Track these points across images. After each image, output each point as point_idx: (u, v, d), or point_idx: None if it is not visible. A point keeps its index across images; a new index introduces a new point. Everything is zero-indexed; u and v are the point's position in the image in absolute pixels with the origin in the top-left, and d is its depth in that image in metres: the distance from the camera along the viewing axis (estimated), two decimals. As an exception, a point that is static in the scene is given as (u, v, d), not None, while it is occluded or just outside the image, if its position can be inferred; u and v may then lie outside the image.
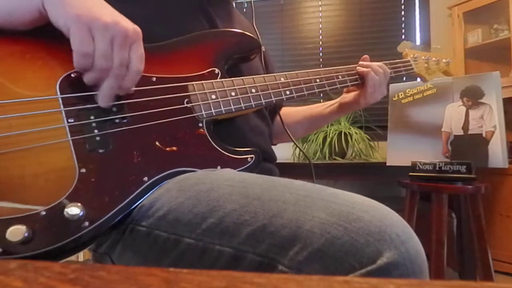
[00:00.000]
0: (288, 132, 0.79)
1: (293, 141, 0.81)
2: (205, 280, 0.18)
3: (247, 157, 0.56)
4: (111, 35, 0.43)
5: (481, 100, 1.29)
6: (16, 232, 0.39)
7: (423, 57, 0.94)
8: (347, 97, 0.82)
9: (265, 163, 0.66)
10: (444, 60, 0.97)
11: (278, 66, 0.73)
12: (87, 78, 0.45)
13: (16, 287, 0.18)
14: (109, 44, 0.43)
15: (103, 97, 0.46)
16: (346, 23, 2.64)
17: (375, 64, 0.78)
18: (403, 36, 2.51)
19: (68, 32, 0.42)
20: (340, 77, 0.74)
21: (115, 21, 0.43)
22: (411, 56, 0.92)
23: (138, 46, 0.46)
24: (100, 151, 0.46)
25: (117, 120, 0.48)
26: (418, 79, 1.01)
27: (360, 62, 0.79)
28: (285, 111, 0.89)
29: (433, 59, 0.96)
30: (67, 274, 0.19)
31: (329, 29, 2.66)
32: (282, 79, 0.65)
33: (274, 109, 0.83)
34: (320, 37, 2.67)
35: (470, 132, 1.31)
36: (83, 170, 0.44)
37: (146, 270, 0.19)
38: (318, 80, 0.70)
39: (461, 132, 1.33)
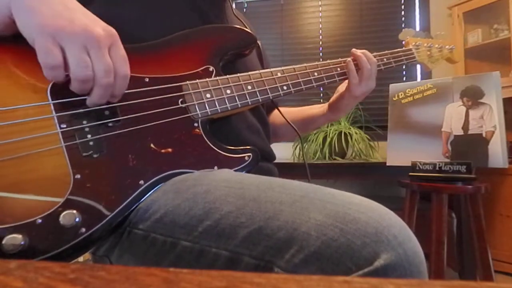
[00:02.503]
0: (293, 125, 0.77)
1: (297, 133, 0.79)
2: (205, 280, 0.18)
3: (244, 156, 0.55)
4: (82, 42, 0.41)
5: (481, 100, 1.29)
6: (13, 241, 0.38)
7: (425, 45, 0.91)
8: (334, 96, 0.81)
9: (264, 162, 0.65)
10: (447, 47, 0.94)
11: (277, 66, 0.72)
12: (72, 89, 0.44)
13: (16, 287, 0.18)
14: (83, 52, 0.41)
15: (93, 105, 0.45)
16: (346, 23, 2.64)
17: (366, 53, 0.76)
18: (403, 36, 2.51)
19: (33, 43, 0.41)
20: (339, 69, 0.72)
21: (83, 27, 0.41)
22: (413, 44, 0.89)
23: (117, 48, 0.44)
24: (95, 156, 0.45)
25: (110, 124, 0.47)
26: (419, 75, 1.00)
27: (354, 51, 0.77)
28: (276, 112, 0.87)
29: (436, 46, 0.93)
30: (67, 274, 0.19)
31: (329, 29, 2.66)
32: (279, 74, 0.64)
33: (270, 106, 0.82)
34: (320, 37, 2.67)
35: (470, 132, 1.31)
36: (78, 176, 0.44)
37: (146, 270, 0.19)
38: (316, 74, 0.68)
39: (461, 132, 1.33)
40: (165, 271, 0.19)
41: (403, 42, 0.94)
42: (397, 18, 2.57)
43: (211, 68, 0.57)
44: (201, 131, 0.54)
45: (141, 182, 0.47)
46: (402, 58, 0.84)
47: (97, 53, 0.42)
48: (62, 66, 0.41)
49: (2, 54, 0.45)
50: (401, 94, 1.48)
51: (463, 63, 2.20)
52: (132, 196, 0.46)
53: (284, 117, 0.78)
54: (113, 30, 0.44)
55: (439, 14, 2.45)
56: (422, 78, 2.43)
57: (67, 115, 0.45)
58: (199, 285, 0.17)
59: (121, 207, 0.45)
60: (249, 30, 0.64)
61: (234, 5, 0.75)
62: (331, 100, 0.83)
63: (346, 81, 0.77)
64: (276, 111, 0.86)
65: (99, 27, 0.43)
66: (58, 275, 0.19)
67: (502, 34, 2.14)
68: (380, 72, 0.79)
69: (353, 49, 0.77)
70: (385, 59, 0.81)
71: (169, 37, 0.57)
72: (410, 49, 0.88)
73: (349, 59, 0.74)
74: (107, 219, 0.44)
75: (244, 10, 2.74)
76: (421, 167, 1.32)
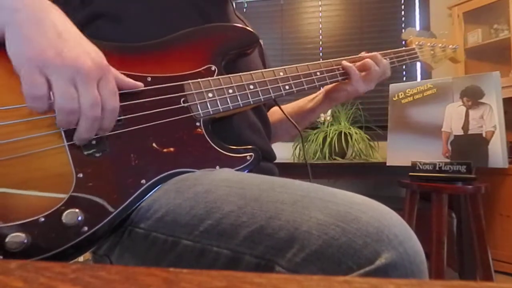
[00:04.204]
0: (293, 121, 0.77)
1: (298, 129, 0.79)
2: (205, 280, 0.18)
3: (246, 155, 0.55)
4: (69, 75, 0.40)
5: (481, 100, 1.29)
6: (16, 239, 0.39)
7: (428, 44, 0.91)
8: (336, 85, 0.78)
9: (265, 162, 0.65)
10: (450, 46, 0.94)
11: (277, 66, 0.72)
12: (58, 122, 0.42)
13: (16, 287, 0.18)
14: (69, 84, 0.40)
15: (79, 140, 0.44)
16: (346, 23, 2.64)
17: (378, 56, 0.76)
18: (403, 36, 2.51)
19: (19, 72, 0.40)
20: (341, 68, 0.72)
21: (73, 59, 0.40)
22: (416, 43, 0.89)
23: (106, 81, 0.43)
24: (97, 155, 0.46)
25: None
26: (419, 75, 1.00)
27: (364, 54, 0.77)
28: (272, 110, 0.87)
29: (439, 45, 0.92)
30: (67, 274, 0.19)
31: (329, 29, 2.66)
32: (281, 73, 0.63)
33: (267, 105, 0.82)
34: (320, 37, 2.67)
35: (470, 132, 1.31)
36: (80, 175, 0.44)
37: (146, 270, 0.19)
38: (318, 73, 0.68)
39: (461, 132, 1.33)
40: (165, 271, 0.19)
41: (404, 42, 0.93)
42: (397, 18, 2.57)
43: (213, 67, 0.57)
44: (203, 130, 0.54)
45: (143, 181, 0.47)
46: (405, 57, 0.84)
47: (84, 86, 0.41)
48: (46, 97, 0.40)
49: (4, 53, 0.44)
50: (401, 94, 1.48)
51: (463, 63, 2.19)
52: (134, 195, 0.46)
53: (286, 115, 0.78)
54: (103, 62, 0.43)
55: (439, 14, 2.45)
56: (422, 78, 2.43)
57: None
58: (199, 285, 0.17)
59: (123, 206, 0.45)
60: (251, 29, 0.64)
61: (234, 5, 0.75)
62: (329, 90, 0.80)
63: None
64: (272, 109, 0.86)
65: (89, 60, 0.42)
66: (59, 275, 0.19)
67: (502, 34, 2.14)
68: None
69: (362, 53, 0.77)
70: (388, 59, 0.81)
71: (171, 36, 0.57)
72: (413, 49, 0.87)
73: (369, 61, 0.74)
74: (109, 218, 0.44)
75: (244, 10, 2.74)
76: (421, 167, 1.32)
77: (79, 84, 0.41)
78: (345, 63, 0.73)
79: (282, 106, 0.87)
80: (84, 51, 0.42)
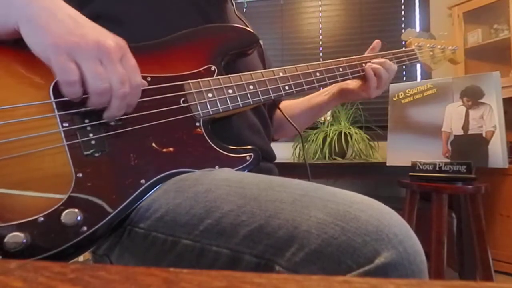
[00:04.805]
0: (293, 123, 0.78)
1: (298, 132, 0.80)
2: (205, 280, 0.18)
3: (246, 156, 0.55)
4: (96, 56, 0.41)
5: (481, 100, 1.29)
6: (15, 239, 0.39)
7: (428, 45, 0.91)
8: (350, 84, 0.81)
9: (264, 162, 0.65)
10: (450, 48, 0.95)
11: (277, 66, 0.73)
12: (91, 104, 0.44)
13: (16, 287, 0.18)
14: (97, 64, 0.42)
15: (111, 118, 0.46)
16: (346, 23, 2.64)
17: (387, 62, 0.78)
18: (403, 36, 2.51)
19: (49, 61, 0.41)
20: (341, 69, 0.73)
21: (96, 41, 0.42)
22: (416, 44, 0.89)
23: (128, 59, 0.45)
24: (96, 154, 0.46)
25: (112, 123, 0.47)
26: (419, 75, 1.00)
27: (374, 61, 0.78)
28: (283, 105, 0.88)
29: (439, 47, 0.93)
30: (67, 274, 0.19)
31: (329, 29, 2.66)
32: (280, 73, 0.64)
33: (273, 104, 0.83)
34: (320, 37, 2.67)
35: (470, 132, 1.31)
36: (80, 175, 0.44)
37: (146, 270, 0.19)
38: (318, 74, 0.69)
39: (461, 132, 1.33)
40: (165, 271, 0.19)
41: (404, 42, 0.94)
42: (397, 18, 2.57)
43: (213, 68, 0.57)
44: (203, 130, 0.54)
45: (143, 181, 0.47)
46: (405, 58, 0.85)
47: (111, 64, 0.42)
48: (80, 82, 0.41)
49: (4, 53, 0.44)
50: (401, 94, 1.48)
51: (463, 63, 2.19)
52: (134, 195, 0.46)
53: (285, 115, 0.79)
54: (123, 41, 0.45)
55: (439, 14, 2.45)
56: (422, 78, 2.43)
57: (69, 114, 0.45)
58: (199, 285, 0.17)
59: (122, 206, 0.45)
60: (251, 30, 0.64)
61: (234, 5, 0.75)
62: (345, 87, 0.82)
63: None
64: (281, 105, 0.86)
65: (110, 40, 0.43)
66: (58, 275, 0.19)
67: (502, 34, 2.14)
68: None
69: (373, 60, 0.79)
70: (395, 62, 0.82)
71: (171, 36, 0.57)
72: (413, 50, 0.88)
73: (369, 64, 0.77)
74: (108, 218, 0.44)
75: (244, 10, 2.74)
76: (421, 167, 1.32)
77: (105, 63, 0.42)
78: (368, 70, 0.76)
79: (294, 101, 0.89)
80: (102, 32, 0.44)
